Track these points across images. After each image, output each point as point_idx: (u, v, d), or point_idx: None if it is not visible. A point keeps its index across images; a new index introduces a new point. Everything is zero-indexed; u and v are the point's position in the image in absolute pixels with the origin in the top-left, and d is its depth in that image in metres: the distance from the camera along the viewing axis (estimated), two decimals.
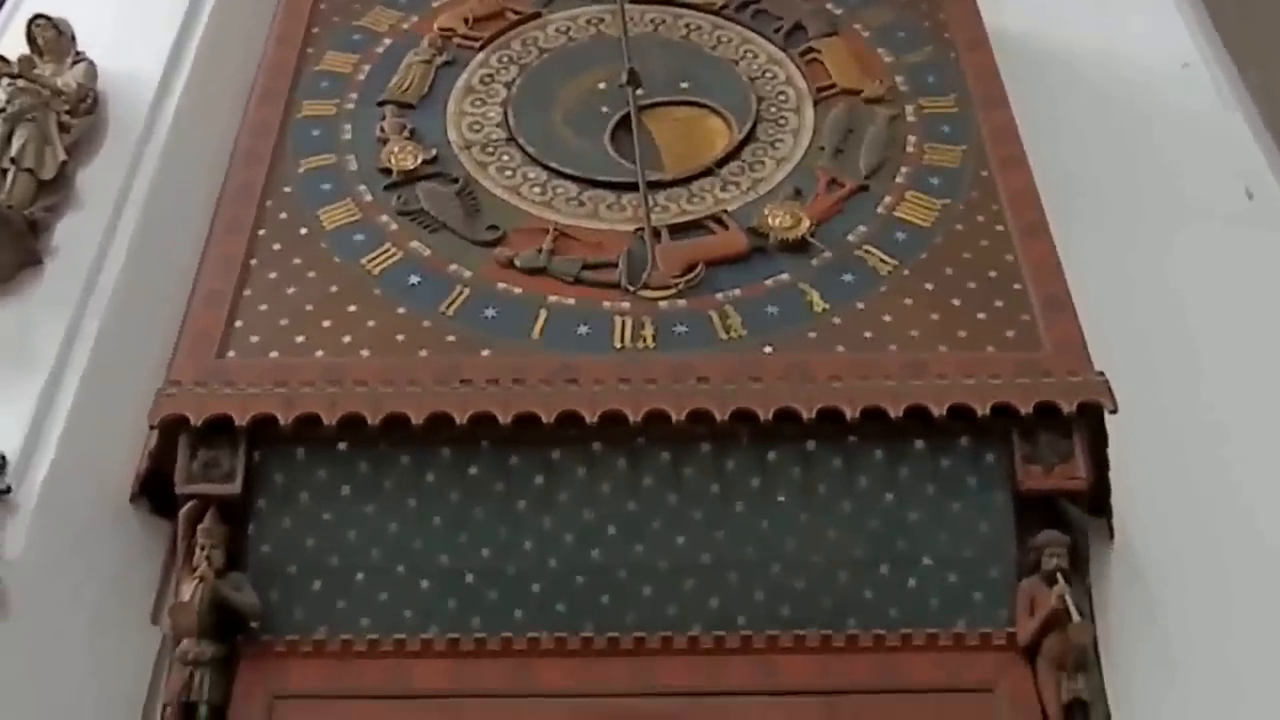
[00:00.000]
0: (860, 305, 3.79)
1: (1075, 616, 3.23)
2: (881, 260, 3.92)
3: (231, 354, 3.66)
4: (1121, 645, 3.44)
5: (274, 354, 3.66)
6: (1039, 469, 3.42)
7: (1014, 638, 3.36)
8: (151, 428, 3.49)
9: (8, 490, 3.28)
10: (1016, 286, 3.81)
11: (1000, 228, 4.00)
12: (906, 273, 3.88)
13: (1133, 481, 3.60)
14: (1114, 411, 3.46)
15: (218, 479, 3.43)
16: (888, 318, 3.75)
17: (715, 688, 3.35)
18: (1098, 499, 3.54)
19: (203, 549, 3.35)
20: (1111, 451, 3.51)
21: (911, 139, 4.33)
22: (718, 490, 3.49)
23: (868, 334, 3.71)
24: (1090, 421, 3.47)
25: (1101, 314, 3.78)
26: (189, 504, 3.43)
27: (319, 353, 3.66)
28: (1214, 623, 3.49)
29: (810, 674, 3.37)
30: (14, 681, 3.11)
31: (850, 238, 4.00)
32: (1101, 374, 3.52)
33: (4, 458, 3.33)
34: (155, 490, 3.58)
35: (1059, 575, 3.30)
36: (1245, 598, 3.53)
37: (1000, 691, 3.31)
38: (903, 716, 3.29)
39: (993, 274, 3.86)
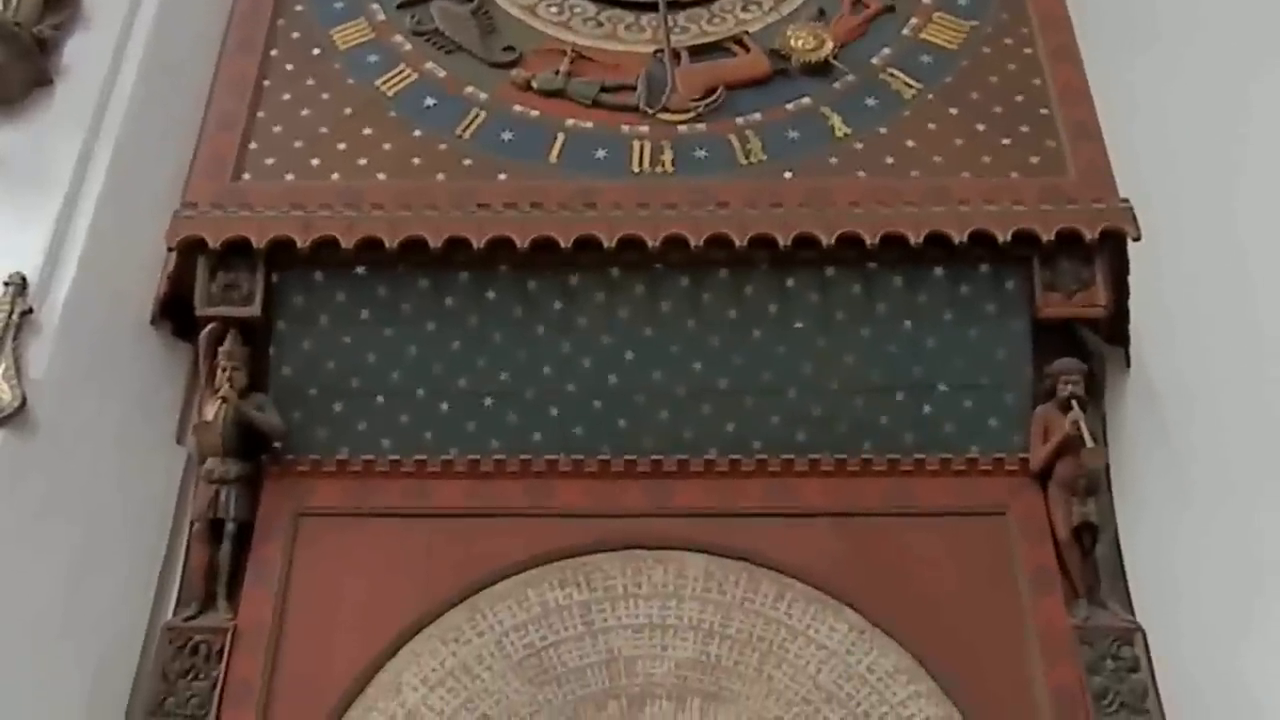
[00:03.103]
0: (883, 130, 3.72)
1: (1089, 441, 3.26)
2: (906, 84, 3.84)
3: (247, 176, 3.64)
4: (1133, 471, 3.48)
5: (290, 176, 3.64)
6: (1059, 296, 3.41)
7: (1027, 463, 3.41)
8: (170, 250, 3.50)
9: (29, 311, 3.30)
10: (1044, 111, 3.73)
11: (1029, 51, 3.89)
12: (931, 97, 3.80)
13: (1152, 310, 3.59)
14: (1137, 239, 3.43)
15: (237, 301, 3.45)
16: (911, 143, 3.68)
17: (730, 509, 3.41)
18: (1116, 327, 3.54)
19: (224, 370, 3.38)
20: (1132, 280, 3.49)
21: None
22: (736, 315, 3.49)
23: (890, 159, 3.65)
24: (1113, 249, 3.44)
25: (1131, 142, 3.71)
26: (209, 326, 3.46)
27: (335, 176, 3.63)
28: (1226, 451, 3.52)
29: (824, 497, 3.43)
30: (43, 500, 3.18)
31: (874, 60, 3.90)
32: (1126, 201, 3.48)
33: (24, 279, 3.34)
34: (176, 313, 3.61)
35: (1074, 401, 3.32)
36: (1258, 428, 3.55)
37: (1011, 515, 3.37)
38: (914, 538, 3.35)
39: (1019, 99, 3.78)
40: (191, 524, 3.39)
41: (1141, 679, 3.11)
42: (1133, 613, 3.24)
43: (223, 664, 3.17)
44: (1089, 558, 3.28)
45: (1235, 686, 3.18)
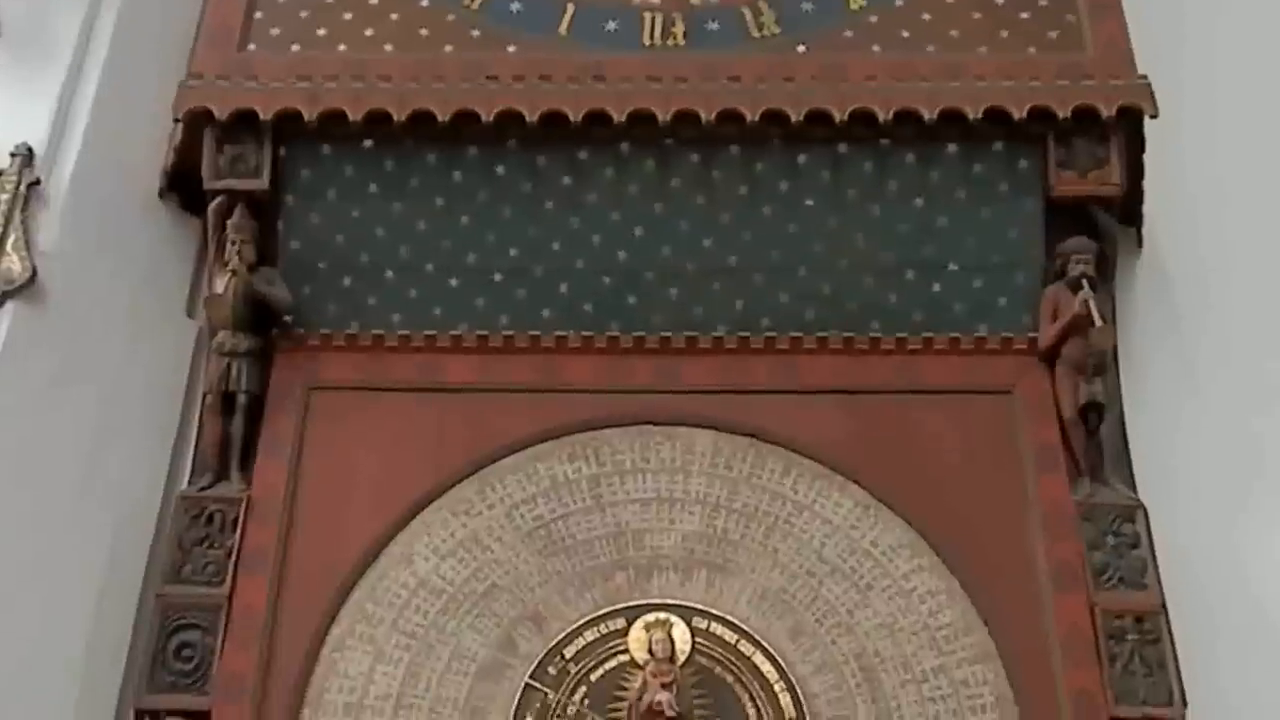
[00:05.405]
0: (899, 3, 3.64)
1: (1098, 321, 3.26)
2: None
3: (252, 46, 3.59)
4: (1142, 352, 3.49)
5: (295, 47, 3.58)
6: (1073, 174, 3.38)
7: (1035, 342, 3.41)
8: (176, 121, 3.47)
9: (37, 182, 3.29)
10: None
11: None
12: None
13: (1167, 191, 3.56)
14: (1154, 116, 3.38)
15: (245, 174, 3.43)
16: (927, 16, 3.61)
17: (738, 386, 3.44)
18: (1130, 207, 3.52)
19: (233, 244, 3.38)
20: (1148, 160, 3.45)
21: None
22: (746, 192, 3.47)
23: (905, 33, 3.58)
24: (1129, 127, 3.40)
25: (1154, 17, 3.63)
26: (217, 199, 3.45)
27: (341, 47, 3.58)
28: (1234, 334, 3.52)
29: (831, 374, 3.45)
30: (56, 371, 3.21)
31: None
32: (1144, 77, 3.42)
33: (31, 150, 3.32)
34: (184, 186, 3.60)
35: (1084, 281, 3.32)
36: (1267, 313, 3.54)
37: (1018, 393, 3.39)
38: (921, 416, 3.38)
39: None
40: (204, 396, 3.42)
41: (1141, 555, 3.15)
42: (1135, 491, 3.28)
43: (237, 533, 3.23)
44: (1094, 436, 3.30)
45: (1231, 564, 3.23)
